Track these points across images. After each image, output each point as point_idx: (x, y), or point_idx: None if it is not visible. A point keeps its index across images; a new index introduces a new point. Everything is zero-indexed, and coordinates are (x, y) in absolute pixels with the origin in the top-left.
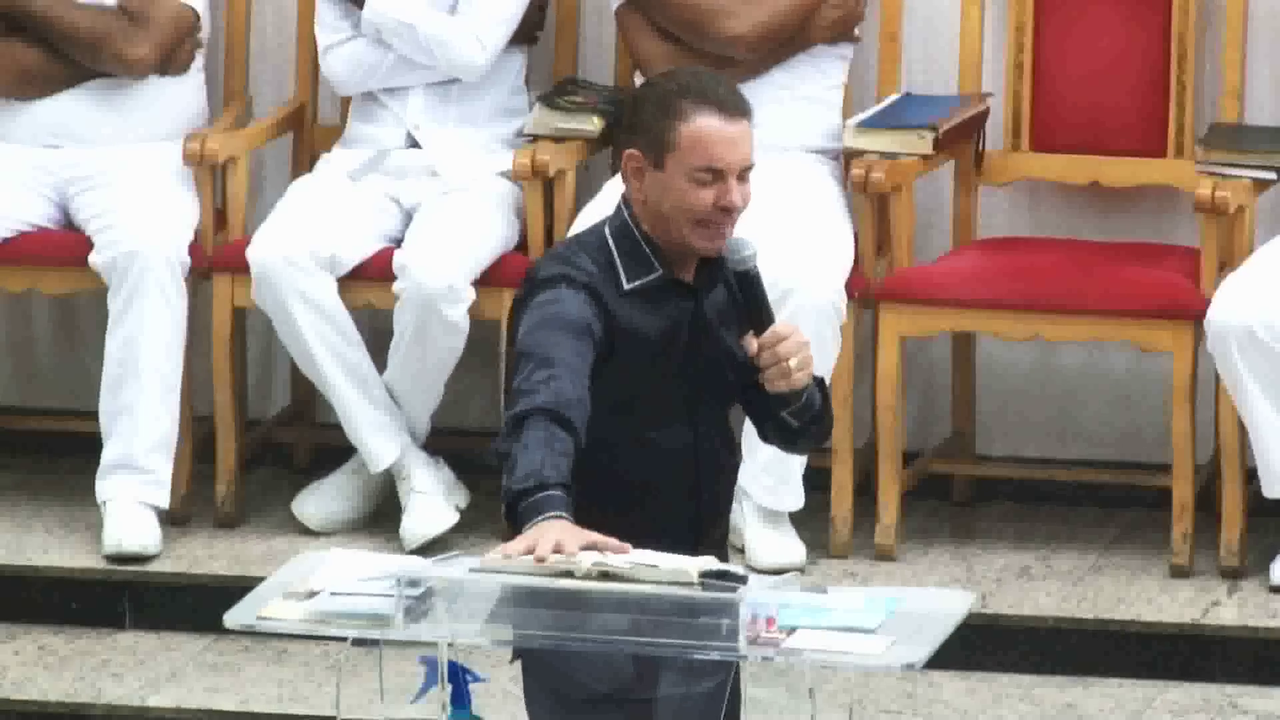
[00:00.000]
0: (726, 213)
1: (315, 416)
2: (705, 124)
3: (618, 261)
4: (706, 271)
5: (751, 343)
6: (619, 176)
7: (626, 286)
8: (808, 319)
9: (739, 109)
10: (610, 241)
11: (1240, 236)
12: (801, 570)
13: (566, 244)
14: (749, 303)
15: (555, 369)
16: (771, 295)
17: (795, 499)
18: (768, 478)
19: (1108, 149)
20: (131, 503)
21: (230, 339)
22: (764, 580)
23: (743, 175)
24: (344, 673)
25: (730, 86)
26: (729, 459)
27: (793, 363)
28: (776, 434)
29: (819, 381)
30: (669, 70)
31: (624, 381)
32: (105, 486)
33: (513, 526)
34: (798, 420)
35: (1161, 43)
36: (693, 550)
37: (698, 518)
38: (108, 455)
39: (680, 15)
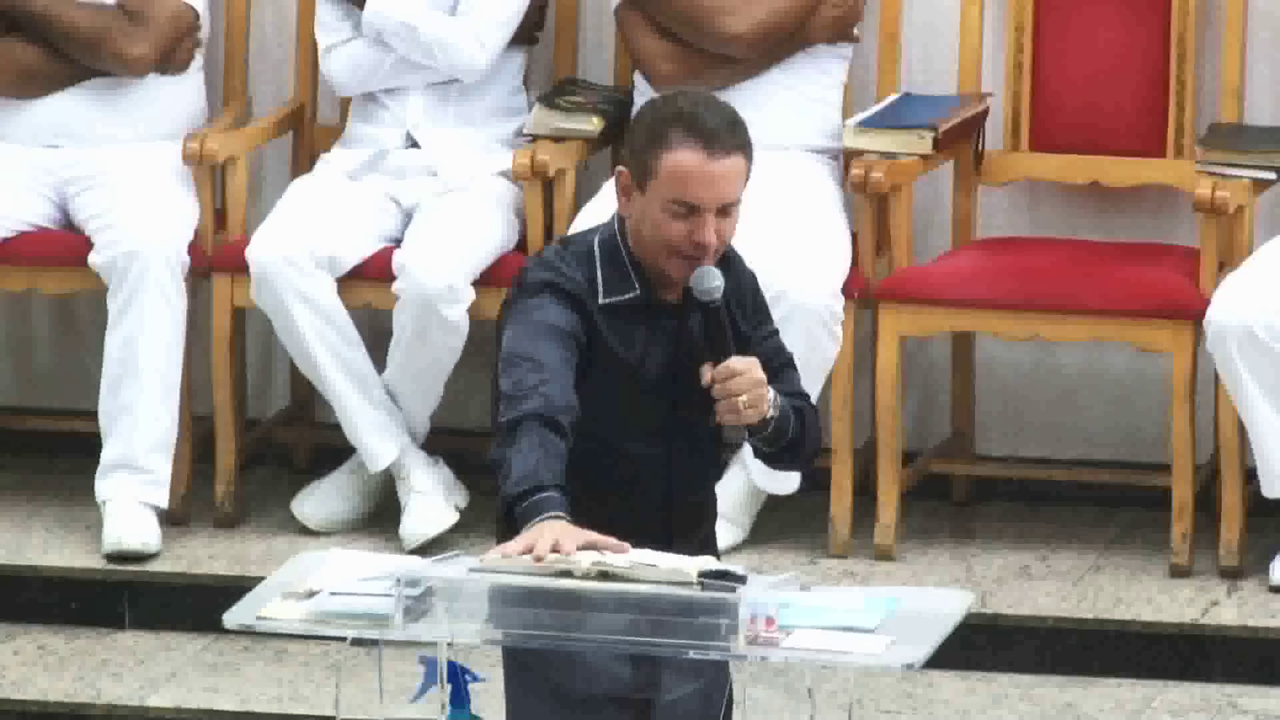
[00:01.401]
0: (699, 248)
1: (315, 416)
2: (686, 158)
3: (599, 275)
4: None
5: (707, 373)
6: None
7: (602, 301)
8: (803, 321)
9: (730, 145)
10: (596, 252)
11: (1240, 236)
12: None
13: (557, 248)
14: (710, 335)
15: (545, 374)
16: (767, 294)
17: (792, 483)
18: None
19: (1107, 149)
20: (131, 502)
21: (230, 339)
22: (763, 580)
23: (724, 211)
24: (343, 673)
25: (729, 117)
26: (708, 470)
27: (742, 400)
28: (754, 450)
29: (798, 409)
30: (676, 91)
31: (600, 392)
32: (105, 486)
33: (509, 530)
34: (768, 447)
35: (1161, 43)
36: (665, 551)
37: (669, 524)
38: (107, 455)
39: (680, 13)
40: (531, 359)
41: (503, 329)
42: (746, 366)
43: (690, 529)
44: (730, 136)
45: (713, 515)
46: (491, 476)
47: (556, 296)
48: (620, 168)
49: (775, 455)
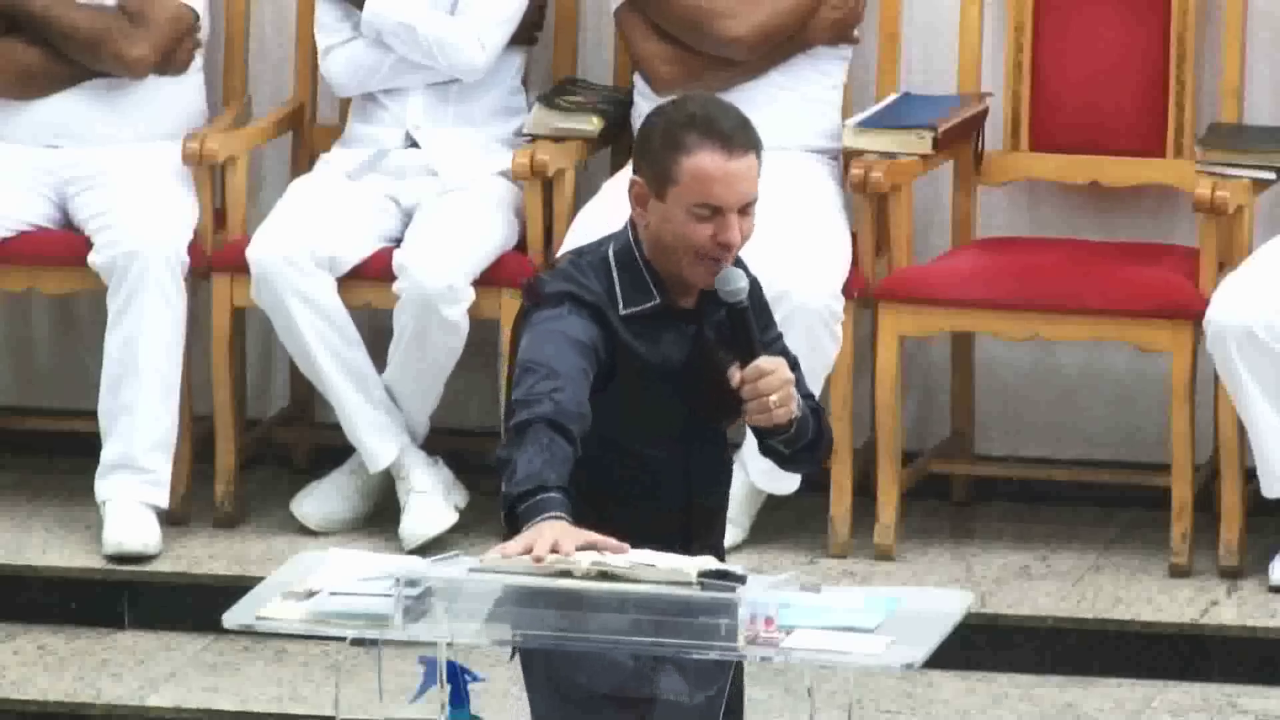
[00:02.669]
0: (725, 248)
1: (315, 416)
2: (707, 160)
3: (617, 285)
4: (710, 293)
5: (735, 374)
6: (619, 176)
7: (623, 312)
8: (803, 322)
9: (745, 143)
10: (612, 262)
11: (1239, 236)
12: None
13: (572, 259)
14: (737, 335)
15: (559, 381)
16: (767, 295)
17: (791, 483)
18: (765, 462)
19: (1107, 149)
20: (131, 502)
21: (230, 339)
22: (763, 580)
23: (744, 210)
24: (343, 673)
25: (740, 117)
26: (723, 473)
27: (773, 399)
28: (770, 454)
29: (814, 409)
30: (682, 96)
31: (622, 401)
32: (105, 486)
33: (511, 531)
34: (788, 448)
35: (1161, 43)
36: (684, 554)
37: (688, 528)
38: (107, 455)
39: (680, 16)
40: (546, 366)
41: (517, 341)
42: (775, 366)
43: (706, 531)
44: (744, 135)
45: (724, 519)
46: (495, 477)
47: (576, 307)
48: (634, 178)
49: (793, 456)
